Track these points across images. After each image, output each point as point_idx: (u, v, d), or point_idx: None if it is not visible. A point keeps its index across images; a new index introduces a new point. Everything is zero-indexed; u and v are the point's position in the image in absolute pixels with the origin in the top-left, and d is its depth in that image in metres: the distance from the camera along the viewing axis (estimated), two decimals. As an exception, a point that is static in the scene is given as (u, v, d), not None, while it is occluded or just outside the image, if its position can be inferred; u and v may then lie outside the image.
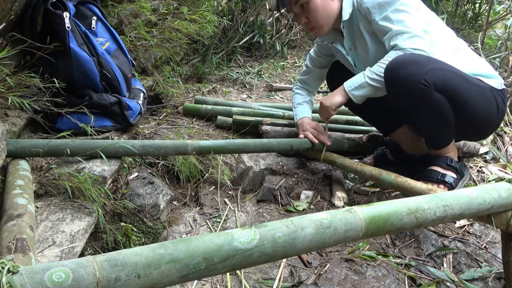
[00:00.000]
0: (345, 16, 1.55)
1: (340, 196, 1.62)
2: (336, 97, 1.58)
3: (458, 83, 1.36)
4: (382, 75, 1.45)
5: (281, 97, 2.88)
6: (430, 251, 1.35)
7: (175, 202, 1.56)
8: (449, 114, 1.39)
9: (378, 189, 1.71)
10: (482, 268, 1.27)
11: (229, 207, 1.59)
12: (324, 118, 1.69)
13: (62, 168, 1.25)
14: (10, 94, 1.23)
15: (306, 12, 1.56)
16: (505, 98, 1.47)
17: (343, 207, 1.60)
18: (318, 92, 3.09)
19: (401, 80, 1.36)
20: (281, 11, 3.28)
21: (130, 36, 2.12)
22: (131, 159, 1.53)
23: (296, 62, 3.71)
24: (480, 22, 4.45)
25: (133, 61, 1.92)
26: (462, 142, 1.79)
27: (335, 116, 2.14)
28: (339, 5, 1.57)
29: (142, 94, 1.88)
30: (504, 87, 1.48)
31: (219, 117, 2.09)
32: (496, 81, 1.45)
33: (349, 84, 1.55)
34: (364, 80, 1.50)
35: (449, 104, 1.37)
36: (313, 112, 1.96)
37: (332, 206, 1.62)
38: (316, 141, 1.73)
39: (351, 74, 1.71)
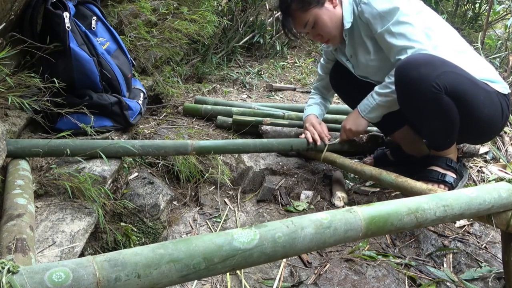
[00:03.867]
0: (347, 25, 1.57)
1: (340, 196, 1.62)
2: (361, 123, 1.65)
3: (468, 87, 1.36)
4: (390, 94, 1.50)
5: (281, 97, 2.88)
6: (430, 251, 1.35)
7: (175, 202, 1.57)
8: (455, 118, 1.39)
9: (378, 189, 1.71)
10: (482, 268, 1.27)
11: (229, 207, 1.59)
12: (346, 138, 1.74)
13: (62, 168, 1.25)
14: (10, 94, 1.23)
15: (316, 30, 1.59)
16: (509, 103, 1.46)
17: (343, 207, 1.60)
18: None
19: (412, 81, 1.35)
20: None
21: (130, 36, 2.11)
22: (131, 159, 1.53)
23: (296, 62, 3.71)
24: (480, 22, 4.45)
25: (133, 61, 1.92)
26: (462, 143, 1.79)
27: (336, 116, 2.15)
28: (341, 12, 1.58)
29: (142, 94, 1.88)
30: (510, 91, 1.47)
31: (219, 117, 2.09)
32: (501, 86, 1.44)
33: (362, 108, 1.62)
34: (374, 103, 1.57)
35: (457, 107, 1.37)
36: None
37: (332, 206, 1.62)
38: (311, 141, 1.74)
39: (352, 75, 1.73)
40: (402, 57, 1.43)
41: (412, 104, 1.43)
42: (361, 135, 1.93)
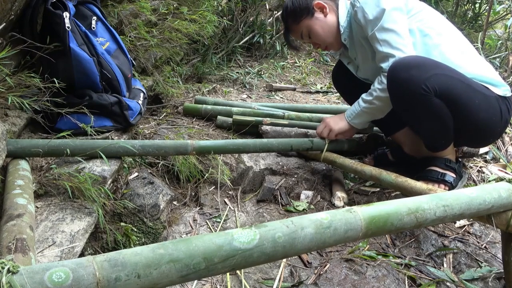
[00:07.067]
0: (341, 29, 1.61)
1: (340, 196, 1.62)
2: (342, 124, 1.67)
3: (462, 90, 1.35)
4: (374, 101, 1.53)
5: (281, 97, 2.88)
6: (430, 251, 1.35)
7: (175, 202, 1.56)
8: (448, 120, 1.39)
9: (378, 189, 1.71)
10: (482, 268, 1.27)
11: (229, 207, 1.59)
12: (323, 136, 1.73)
13: (62, 168, 1.26)
14: (10, 94, 1.23)
15: (312, 39, 1.66)
16: (511, 107, 1.45)
17: (343, 207, 1.60)
18: (318, 92, 3.09)
19: (402, 82, 1.36)
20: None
21: (130, 36, 2.11)
22: (131, 159, 1.53)
23: (296, 62, 3.71)
24: (480, 22, 4.45)
25: (133, 61, 1.91)
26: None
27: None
28: (336, 19, 1.61)
29: (142, 94, 1.88)
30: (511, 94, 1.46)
31: (219, 117, 2.09)
32: (503, 89, 1.43)
33: (349, 113, 1.65)
34: (359, 109, 1.60)
35: (450, 110, 1.37)
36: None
37: (332, 206, 1.62)
38: (320, 137, 1.75)
39: (355, 76, 1.75)
40: (384, 64, 1.46)
41: (404, 106, 1.44)
42: (361, 136, 1.93)
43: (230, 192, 1.68)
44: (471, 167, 1.86)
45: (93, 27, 1.67)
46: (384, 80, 1.46)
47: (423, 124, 1.45)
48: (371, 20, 1.46)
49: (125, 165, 1.48)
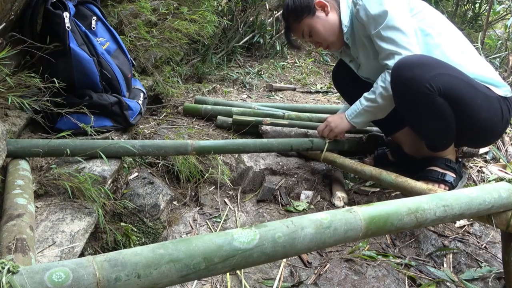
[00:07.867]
0: (344, 29, 1.60)
1: (340, 196, 1.62)
2: (343, 124, 1.67)
3: (465, 90, 1.35)
4: (377, 99, 1.52)
5: (281, 97, 2.88)
6: (430, 251, 1.35)
7: (175, 202, 1.56)
8: (450, 119, 1.38)
9: (378, 189, 1.71)
10: (482, 268, 1.27)
11: (229, 207, 1.59)
12: (323, 136, 1.74)
13: (62, 168, 1.25)
14: (10, 94, 1.23)
15: (313, 38, 1.65)
16: (511, 107, 1.45)
17: (343, 207, 1.60)
18: (318, 92, 3.09)
19: (405, 81, 1.35)
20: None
21: (130, 36, 2.11)
22: (131, 159, 1.53)
23: (296, 62, 3.70)
24: (480, 22, 4.45)
25: (133, 61, 1.91)
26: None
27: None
28: (338, 17, 1.60)
29: (142, 94, 1.88)
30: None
31: (219, 117, 2.09)
32: (504, 89, 1.43)
33: (349, 112, 1.65)
34: (361, 108, 1.59)
35: (452, 110, 1.36)
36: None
37: (332, 206, 1.62)
38: (321, 135, 1.76)
39: (355, 75, 1.75)
40: (389, 62, 1.45)
41: (407, 105, 1.44)
42: (361, 136, 1.93)
43: (230, 192, 1.68)
44: (471, 167, 1.86)
45: (93, 27, 1.67)
46: (388, 78, 1.45)
47: (425, 123, 1.45)
48: (374, 18, 1.45)
49: (125, 165, 1.48)
